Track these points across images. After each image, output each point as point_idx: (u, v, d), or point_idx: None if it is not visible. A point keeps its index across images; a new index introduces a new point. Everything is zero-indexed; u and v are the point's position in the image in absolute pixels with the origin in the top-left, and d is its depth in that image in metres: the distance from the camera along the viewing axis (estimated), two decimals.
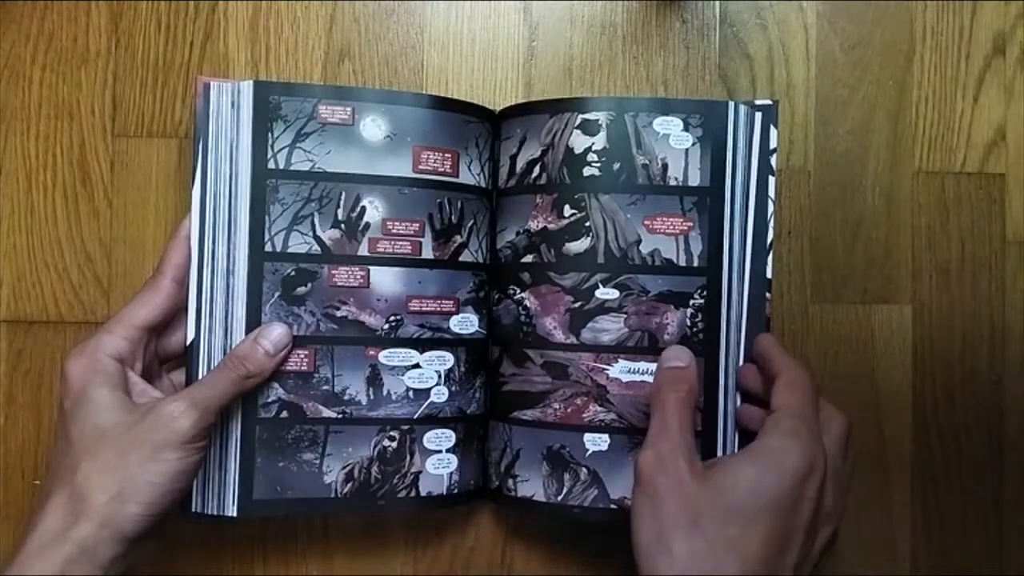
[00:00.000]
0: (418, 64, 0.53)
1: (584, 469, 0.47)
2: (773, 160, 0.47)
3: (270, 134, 0.46)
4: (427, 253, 0.48)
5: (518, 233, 0.49)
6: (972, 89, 0.55)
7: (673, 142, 0.47)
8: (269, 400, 0.46)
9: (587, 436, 0.47)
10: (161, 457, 0.40)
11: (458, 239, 0.48)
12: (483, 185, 0.49)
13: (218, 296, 0.46)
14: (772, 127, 0.47)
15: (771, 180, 0.47)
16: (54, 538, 0.39)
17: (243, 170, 0.46)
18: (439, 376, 0.48)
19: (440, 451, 0.48)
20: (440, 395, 0.48)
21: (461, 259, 0.48)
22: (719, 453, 0.47)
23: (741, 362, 0.47)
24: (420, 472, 0.48)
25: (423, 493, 0.48)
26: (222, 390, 0.43)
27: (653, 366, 0.46)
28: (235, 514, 0.46)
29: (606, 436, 0.47)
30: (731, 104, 0.47)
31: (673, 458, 0.40)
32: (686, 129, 0.47)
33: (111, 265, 0.52)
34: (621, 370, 0.47)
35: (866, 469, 0.53)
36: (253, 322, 0.46)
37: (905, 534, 0.54)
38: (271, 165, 0.46)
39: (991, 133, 0.55)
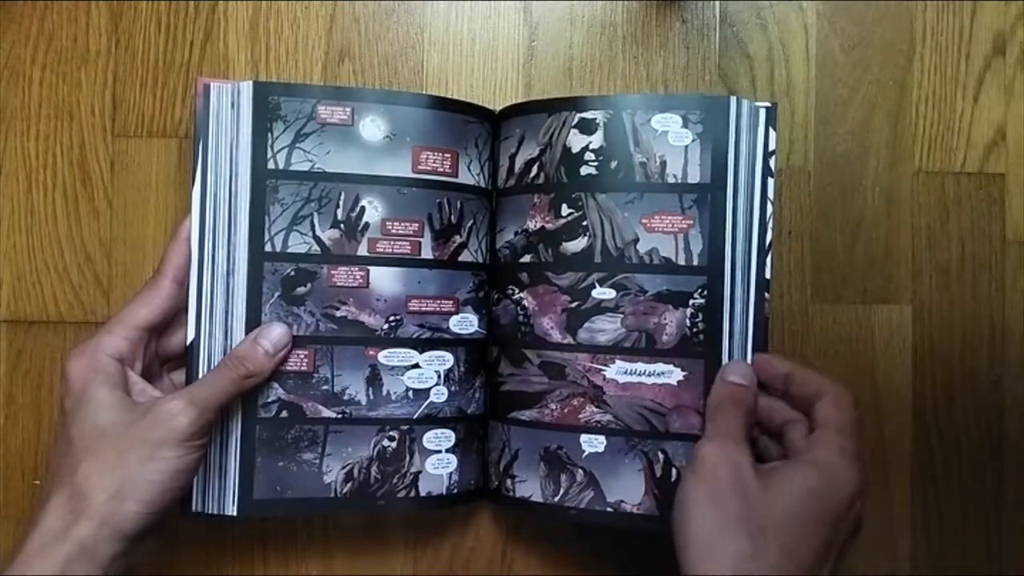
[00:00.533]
0: (418, 64, 0.53)
1: (580, 471, 0.47)
2: (772, 162, 0.47)
3: (270, 134, 0.46)
4: (427, 253, 0.48)
5: (516, 233, 0.49)
6: (972, 89, 0.55)
7: (672, 139, 0.46)
8: (269, 400, 0.46)
9: (583, 437, 0.47)
10: (160, 455, 0.40)
11: (457, 239, 0.48)
12: (483, 185, 0.49)
13: (218, 296, 0.46)
14: (771, 129, 0.47)
15: (770, 182, 0.47)
16: (54, 537, 0.39)
17: (243, 170, 0.46)
18: (439, 376, 0.48)
19: (440, 451, 0.48)
20: (440, 395, 0.48)
21: (460, 259, 0.48)
22: None
23: None
24: (420, 472, 0.48)
25: (423, 493, 0.48)
26: (222, 389, 0.43)
27: (651, 367, 0.46)
28: (235, 513, 0.46)
29: (602, 438, 0.47)
30: (733, 99, 0.46)
31: (737, 454, 0.41)
32: (685, 125, 0.46)
33: (111, 265, 0.52)
34: (618, 371, 0.46)
35: None
36: (253, 322, 0.46)
37: (905, 534, 0.54)
38: (271, 165, 0.46)
39: (991, 133, 0.55)
